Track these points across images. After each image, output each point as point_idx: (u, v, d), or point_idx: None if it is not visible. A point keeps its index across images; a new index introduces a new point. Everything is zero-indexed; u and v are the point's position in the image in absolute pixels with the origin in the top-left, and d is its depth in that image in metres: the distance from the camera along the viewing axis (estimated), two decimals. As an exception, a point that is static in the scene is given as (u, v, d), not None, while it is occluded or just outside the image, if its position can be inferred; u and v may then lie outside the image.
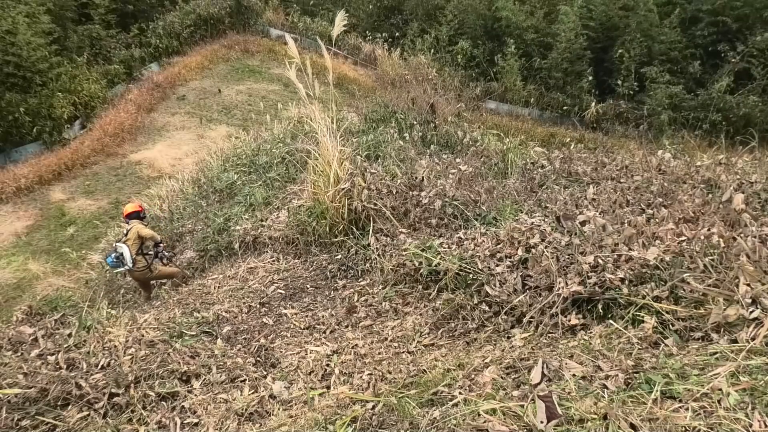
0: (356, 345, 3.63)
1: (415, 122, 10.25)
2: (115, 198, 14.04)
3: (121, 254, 6.47)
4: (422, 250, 4.23)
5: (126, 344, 3.44)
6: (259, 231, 6.54)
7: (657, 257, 2.95)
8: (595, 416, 1.80)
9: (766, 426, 1.66)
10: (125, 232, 6.74)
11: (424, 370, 2.89)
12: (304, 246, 5.91)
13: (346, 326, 4.08)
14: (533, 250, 3.56)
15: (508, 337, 3.14)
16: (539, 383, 2.09)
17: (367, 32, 24.57)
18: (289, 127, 11.79)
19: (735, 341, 2.23)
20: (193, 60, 21.69)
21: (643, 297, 2.75)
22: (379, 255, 4.76)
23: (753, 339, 2.17)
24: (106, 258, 6.80)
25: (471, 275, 3.74)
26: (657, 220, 3.77)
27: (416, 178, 6.10)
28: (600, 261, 3.12)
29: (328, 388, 3.08)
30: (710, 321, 2.41)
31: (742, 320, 2.32)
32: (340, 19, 5.54)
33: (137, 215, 7.01)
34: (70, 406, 2.89)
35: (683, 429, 1.70)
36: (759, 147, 7.29)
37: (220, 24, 23.51)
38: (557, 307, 3.04)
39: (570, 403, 1.90)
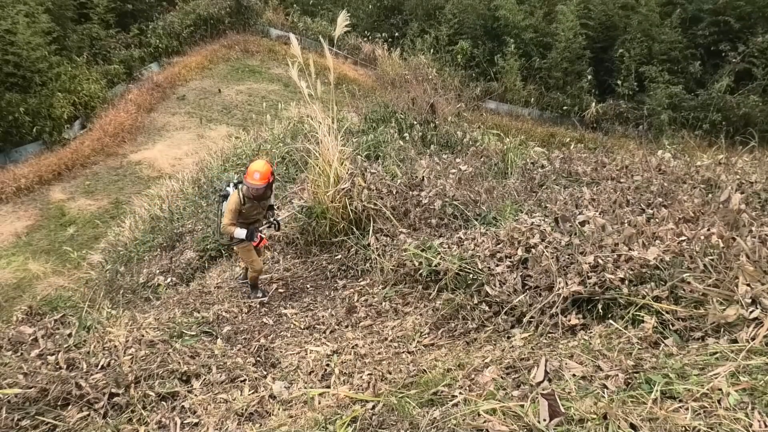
0: (356, 345, 3.63)
1: (415, 122, 10.25)
2: (115, 198, 14.03)
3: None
4: (422, 250, 4.23)
5: (126, 344, 3.44)
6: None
7: (657, 257, 2.95)
8: (595, 416, 1.80)
9: (766, 426, 1.66)
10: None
11: (424, 370, 2.89)
12: (304, 246, 5.91)
13: (346, 326, 4.08)
14: (533, 250, 3.56)
15: (508, 337, 3.14)
16: (542, 381, 2.09)
17: (367, 32, 24.54)
18: (290, 127, 11.78)
19: (735, 341, 2.23)
20: (193, 60, 21.67)
21: (643, 297, 2.75)
22: (379, 255, 4.76)
23: (753, 339, 2.17)
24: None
25: (471, 275, 3.74)
26: (657, 220, 3.76)
27: (416, 178, 6.10)
28: (600, 261, 3.12)
29: (328, 388, 3.08)
30: (710, 321, 2.41)
31: (742, 320, 2.32)
32: (342, 20, 5.51)
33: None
34: (70, 406, 2.88)
35: (683, 429, 1.70)
36: (759, 147, 7.29)
37: (220, 24, 23.47)
38: (557, 307, 3.04)
39: (570, 403, 1.90)
